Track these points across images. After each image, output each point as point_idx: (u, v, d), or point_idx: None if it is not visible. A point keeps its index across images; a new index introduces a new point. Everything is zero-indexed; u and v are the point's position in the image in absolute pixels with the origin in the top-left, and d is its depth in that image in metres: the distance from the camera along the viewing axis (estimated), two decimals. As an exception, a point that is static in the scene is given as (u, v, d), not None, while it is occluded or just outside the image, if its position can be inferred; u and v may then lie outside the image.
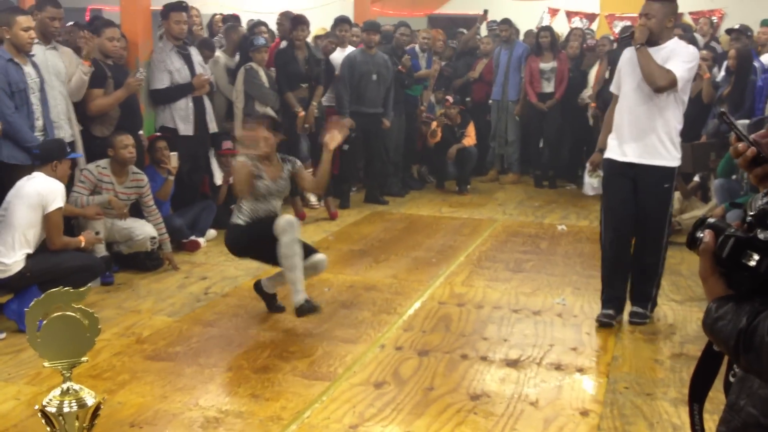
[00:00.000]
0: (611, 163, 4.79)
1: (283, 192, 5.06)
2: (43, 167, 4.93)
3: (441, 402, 3.83)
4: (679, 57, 4.53)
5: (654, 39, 4.56)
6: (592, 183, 5.05)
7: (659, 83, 4.50)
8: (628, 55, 4.71)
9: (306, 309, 4.71)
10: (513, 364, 4.31)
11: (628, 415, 3.72)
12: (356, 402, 3.82)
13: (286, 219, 4.78)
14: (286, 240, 4.70)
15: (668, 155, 4.66)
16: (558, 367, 4.26)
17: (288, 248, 4.70)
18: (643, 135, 4.64)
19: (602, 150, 4.93)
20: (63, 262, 4.91)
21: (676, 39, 4.71)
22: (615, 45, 9.31)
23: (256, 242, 4.84)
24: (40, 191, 4.83)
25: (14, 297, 4.83)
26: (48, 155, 4.98)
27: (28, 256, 4.79)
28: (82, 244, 5.16)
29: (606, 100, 9.08)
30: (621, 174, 4.74)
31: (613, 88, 4.91)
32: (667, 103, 4.60)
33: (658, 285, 4.93)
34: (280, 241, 4.70)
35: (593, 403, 3.82)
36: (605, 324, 4.79)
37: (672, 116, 4.63)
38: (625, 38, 4.78)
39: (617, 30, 12.17)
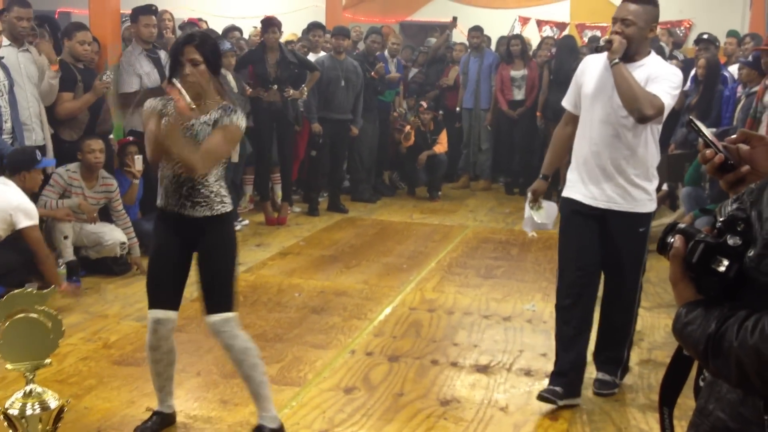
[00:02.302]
0: (571, 202, 3.85)
1: None
2: (12, 177, 4.88)
3: (411, 407, 3.82)
4: (664, 80, 3.59)
5: (631, 53, 3.60)
6: (532, 216, 4.13)
7: (646, 112, 3.51)
8: (595, 68, 3.73)
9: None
10: (483, 369, 4.31)
11: (596, 420, 3.74)
12: (326, 407, 3.80)
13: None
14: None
15: (644, 198, 3.76)
16: (528, 373, 4.27)
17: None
18: (614, 175, 3.71)
19: (546, 177, 4.07)
20: (8, 255, 4.89)
21: (653, 55, 3.73)
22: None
23: None
24: (9, 206, 4.82)
25: None
26: (16, 166, 4.93)
27: None
28: (61, 288, 5.08)
29: (550, 110, 9.16)
30: (583, 215, 3.81)
31: (566, 104, 3.90)
32: (644, 135, 3.68)
33: (629, 346, 4.07)
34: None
35: (562, 409, 3.82)
36: (546, 399, 3.80)
37: (649, 150, 3.73)
38: (601, 49, 3.72)
39: (587, 39, 12.29)
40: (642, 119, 3.55)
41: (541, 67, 9.54)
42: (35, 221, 4.89)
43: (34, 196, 5.55)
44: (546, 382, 4.13)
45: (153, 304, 3.40)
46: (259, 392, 3.39)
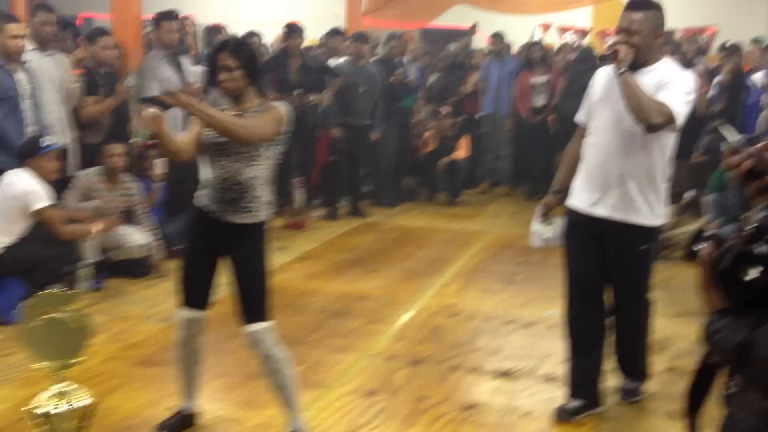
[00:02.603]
0: (573, 214, 3.74)
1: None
2: (24, 167, 5.01)
3: (432, 412, 3.81)
4: (675, 85, 3.44)
5: (640, 61, 3.48)
6: (540, 232, 4.02)
7: (653, 120, 3.36)
8: (604, 78, 3.64)
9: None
10: (505, 375, 4.30)
11: (622, 429, 3.72)
12: (347, 411, 3.79)
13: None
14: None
15: (648, 211, 3.59)
16: (550, 379, 4.25)
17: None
18: (618, 183, 3.56)
19: (559, 192, 3.95)
20: (37, 251, 4.97)
21: (666, 60, 3.60)
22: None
23: None
24: (16, 193, 4.95)
25: None
26: (23, 156, 5.04)
27: (8, 247, 4.92)
28: (93, 233, 5.18)
29: (563, 115, 9.20)
30: (584, 229, 3.69)
31: (579, 117, 3.81)
32: (652, 144, 3.52)
33: (643, 354, 3.97)
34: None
35: (587, 417, 3.80)
36: (563, 420, 3.76)
37: (657, 160, 3.58)
38: (607, 59, 3.56)
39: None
40: (651, 128, 3.40)
41: (559, 73, 9.52)
42: (47, 202, 4.97)
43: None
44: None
45: (184, 302, 3.43)
46: (292, 401, 3.38)
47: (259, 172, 3.28)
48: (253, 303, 3.33)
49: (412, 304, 5.50)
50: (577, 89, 9.10)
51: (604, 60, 3.62)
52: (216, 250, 3.40)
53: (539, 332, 5.00)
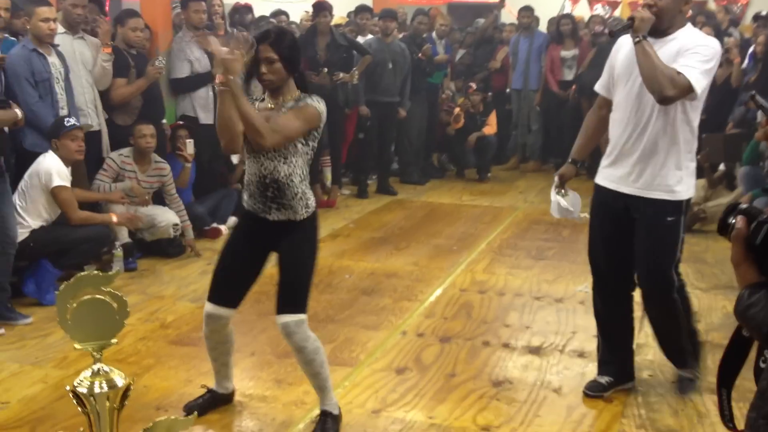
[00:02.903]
0: (598, 189, 3.68)
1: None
2: (52, 148, 5.10)
3: (463, 388, 3.84)
4: (692, 54, 3.28)
5: (663, 27, 3.35)
6: (558, 202, 3.87)
7: (666, 92, 3.22)
8: (626, 48, 3.48)
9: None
10: (535, 351, 4.31)
11: (652, 402, 3.71)
12: (378, 387, 3.83)
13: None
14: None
15: (672, 185, 3.47)
16: (581, 355, 4.25)
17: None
18: (641, 158, 3.47)
19: (575, 161, 3.90)
20: (67, 234, 5.08)
21: (689, 27, 3.42)
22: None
23: None
24: (40, 171, 5.04)
25: (30, 276, 5.03)
26: (49, 135, 5.13)
27: (37, 229, 5.01)
28: (113, 220, 5.26)
29: (583, 86, 9.13)
30: (608, 205, 3.63)
31: (598, 88, 3.73)
32: (675, 116, 3.39)
33: (687, 338, 3.77)
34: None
35: (617, 391, 3.80)
36: (591, 396, 3.75)
37: (682, 132, 3.43)
38: (621, 30, 3.44)
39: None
40: (663, 100, 3.26)
41: (589, 46, 9.42)
42: (65, 182, 5.03)
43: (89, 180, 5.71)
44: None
45: (210, 297, 3.42)
46: (325, 386, 3.37)
47: (297, 169, 3.24)
48: (290, 294, 3.29)
49: (442, 281, 5.51)
50: (602, 62, 9.01)
51: (613, 35, 3.56)
52: (261, 250, 3.39)
53: (569, 308, 4.99)
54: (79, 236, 5.12)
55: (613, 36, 3.57)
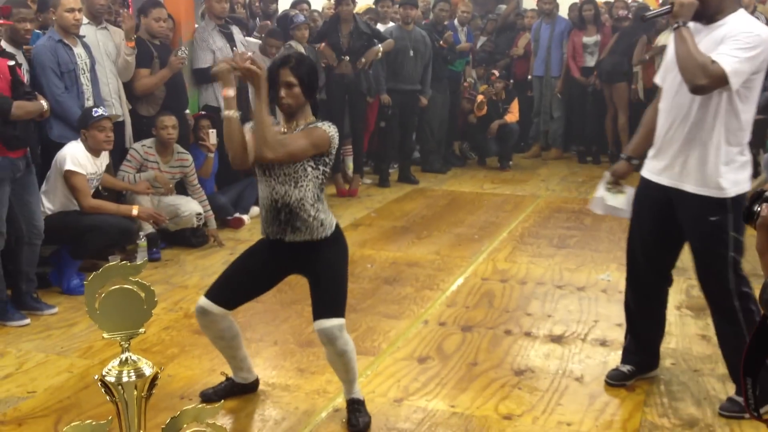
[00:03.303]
0: (642, 181, 3.56)
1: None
2: (81, 138, 5.17)
3: (485, 377, 3.85)
4: (732, 41, 3.11)
5: (710, 12, 3.19)
6: (604, 198, 3.75)
7: (698, 81, 3.09)
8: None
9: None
10: (557, 339, 4.30)
11: (674, 391, 3.70)
12: (400, 376, 3.85)
13: None
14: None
15: (715, 180, 3.26)
16: (603, 343, 4.25)
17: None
18: (683, 149, 3.32)
19: (630, 159, 3.72)
20: (76, 222, 5.09)
21: (740, 12, 3.22)
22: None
23: None
24: (59, 156, 5.11)
25: (54, 263, 5.20)
26: (78, 126, 5.18)
27: (51, 214, 5.07)
28: (133, 213, 5.31)
29: (603, 72, 9.07)
30: (651, 197, 3.49)
31: (657, 79, 3.56)
32: (720, 105, 3.21)
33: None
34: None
35: (639, 380, 3.79)
36: (613, 385, 3.74)
37: (725, 123, 3.24)
38: (655, 15, 3.34)
39: (661, 1, 11.92)
40: (695, 90, 3.13)
41: (611, 32, 9.37)
42: (78, 169, 5.06)
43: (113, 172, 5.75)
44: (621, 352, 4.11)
45: (208, 292, 3.42)
46: (354, 378, 3.38)
47: (308, 193, 3.24)
48: (327, 299, 3.27)
49: (463, 270, 5.52)
50: (624, 47, 8.98)
51: (645, 20, 3.40)
52: (278, 272, 3.42)
53: (591, 296, 4.98)
54: (84, 225, 5.10)
55: (645, 20, 3.47)
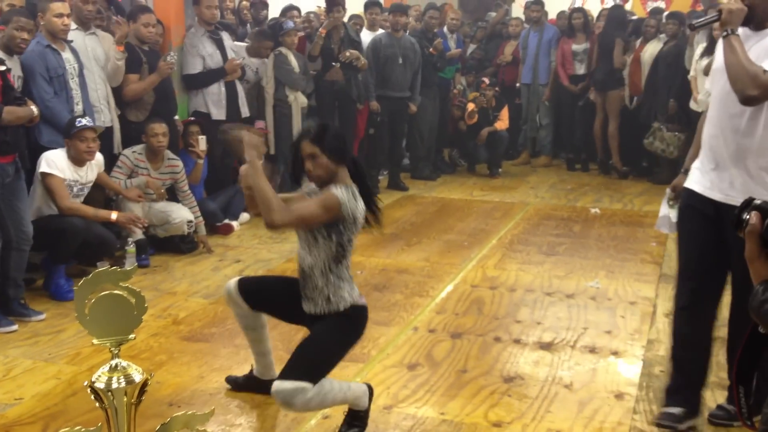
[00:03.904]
0: (688, 193, 3.37)
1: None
2: (65, 146, 5.15)
3: (474, 384, 3.84)
4: None
5: (759, 19, 3.08)
6: (670, 215, 3.64)
7: (748, 92, 2.97)
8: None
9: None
10: (547, 346, 4.31)
11: (663, 398, 3.69)
12: (390, 383, 3.84)
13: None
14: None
15: (764, 194, 2.99)
16: (592, 350, 4.25)
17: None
18: (733, 161, 3.17)
19: (687, 171, 3.51)
20: (44, 227, 4.99)
21: None
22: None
23: None
24: (40, 161, 5.06)
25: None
26: (63, 134, 5.16)
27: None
28: (112, 217, 5.26)
29: (597, 80, 9.09)
30: (699, 210, 3.31)
31: (707, 85, 3.57)
32: (763, 117, 3.10)
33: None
34: None
35: (628, 386, 3.81)
36: (664, 426, 3.43)
37: None
38: (703, 23, 3.23)
39: (649, 10, 11.99)
40: (745, 100, 3.00)
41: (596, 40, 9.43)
42: (53, 171, 5.04)
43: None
44: (611, 359, 4.12)
45: (241, 281, 3.47)
46: (346, 401, 3.30)
47: (319, 262, 3.14)
48: (298, 360, 3.10)
49: (453, 277, 5.52)
50: (605, 52, 9.00)
51: (693, 29, 3.25)
52: (299, 318, 3.37)
53: (581, 303, 4.99)
54: (51, 228, 5.00)
55: (693, 29, 3.32)
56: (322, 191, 3.12)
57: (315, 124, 3.21)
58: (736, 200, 3.03)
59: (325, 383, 3.08)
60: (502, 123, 9.39)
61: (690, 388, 3.45)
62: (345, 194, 3.06)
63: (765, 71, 2.97)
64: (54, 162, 5.05)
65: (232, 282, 3.48)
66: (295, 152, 3.14)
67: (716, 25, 3.16)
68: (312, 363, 3.08)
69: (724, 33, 3.07)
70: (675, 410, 3.43)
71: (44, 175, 5.03)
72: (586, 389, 3.80)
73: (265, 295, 3.49)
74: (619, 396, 3.72)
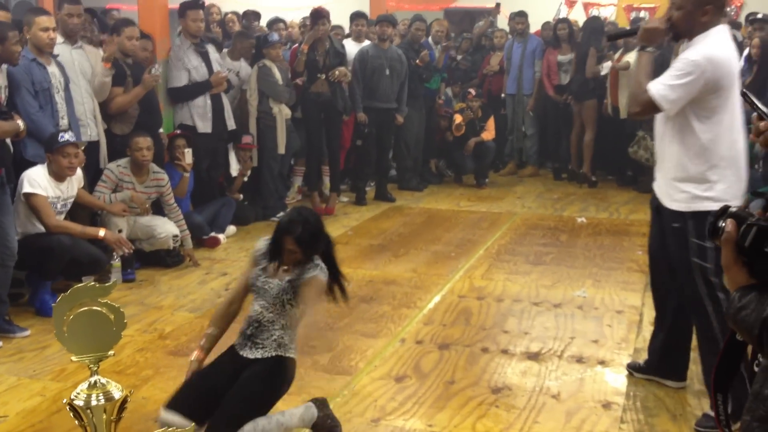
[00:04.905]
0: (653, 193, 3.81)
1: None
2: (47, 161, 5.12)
3: (462, 395, 3.84)
4: (672, 67, 3.34)
5: (681, 34, 3.40)
6: None
7: (630, 109, 3.47)
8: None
9: None
10: (534, 356, 4.31)
11: (650, 407, 3.71)
12: (378, 396, 3.83)
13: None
14: None
15: (678, 194, 3.45)
16: (579, 360, 4.26)
17: None
18: (659, 165, 3.61)
19: None
20: (30, 245, 4.97)
21: (710, 34, 3.31)
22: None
23: None
24: (22, 179, 5.03)
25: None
26: (45, 149, 5.12)
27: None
28: (100, 234, 5.24)
29: (572, 90, 9.16)
30: (653, 208, 3.75)
31: None
32: (682, 124, 3.37)
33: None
34: None
35: (615, 396, 3.81)
36: (632, 374, 4.03)
37: (686, 142, 3.38)
38: (619, 36, 3.65)
39: (632, 19, 12.08)
40: (629, 115, 3.54)
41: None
42: (36, 190, 5.00)
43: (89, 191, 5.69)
44: (598, 368, 4.13)
45: (170, 402, 3.18)
46: (296, 425, 3.29)
47: (282, 320, 3.28)
48: (228, 413, 3.10)
49: (440, 288, 5.52)
50: (582, 63, 9.06)
51: (610, 39, 3.64)
52: (230, 379, 3.23)
53: (568, 313, 5.00)
54: (35, 246, 4.98)
55: (609, 40, 3.70)
56: (295, 270, 3.29)
57: (300, 224, 3.23)
58: (662, 198, 3.56)
59: (260, 421, 3.13)
60: (489, 133, 9.42)
61: (655, 356, 3.94)
62: (323, 273, 3.32)
63: (645, 91, 3.29)
64: (36, 181, 5.02)
65: (163, 412, 3.13)
66: (277, 240, 3.27)
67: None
68: (243, 417, 3.11)
69: (639, 48, 3.44)
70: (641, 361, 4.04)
71: (27, 195, 5.00)
72: (574, 399, 3.80)
73: (196, 396, 3.20)
74: (607, 405, 3.73)
